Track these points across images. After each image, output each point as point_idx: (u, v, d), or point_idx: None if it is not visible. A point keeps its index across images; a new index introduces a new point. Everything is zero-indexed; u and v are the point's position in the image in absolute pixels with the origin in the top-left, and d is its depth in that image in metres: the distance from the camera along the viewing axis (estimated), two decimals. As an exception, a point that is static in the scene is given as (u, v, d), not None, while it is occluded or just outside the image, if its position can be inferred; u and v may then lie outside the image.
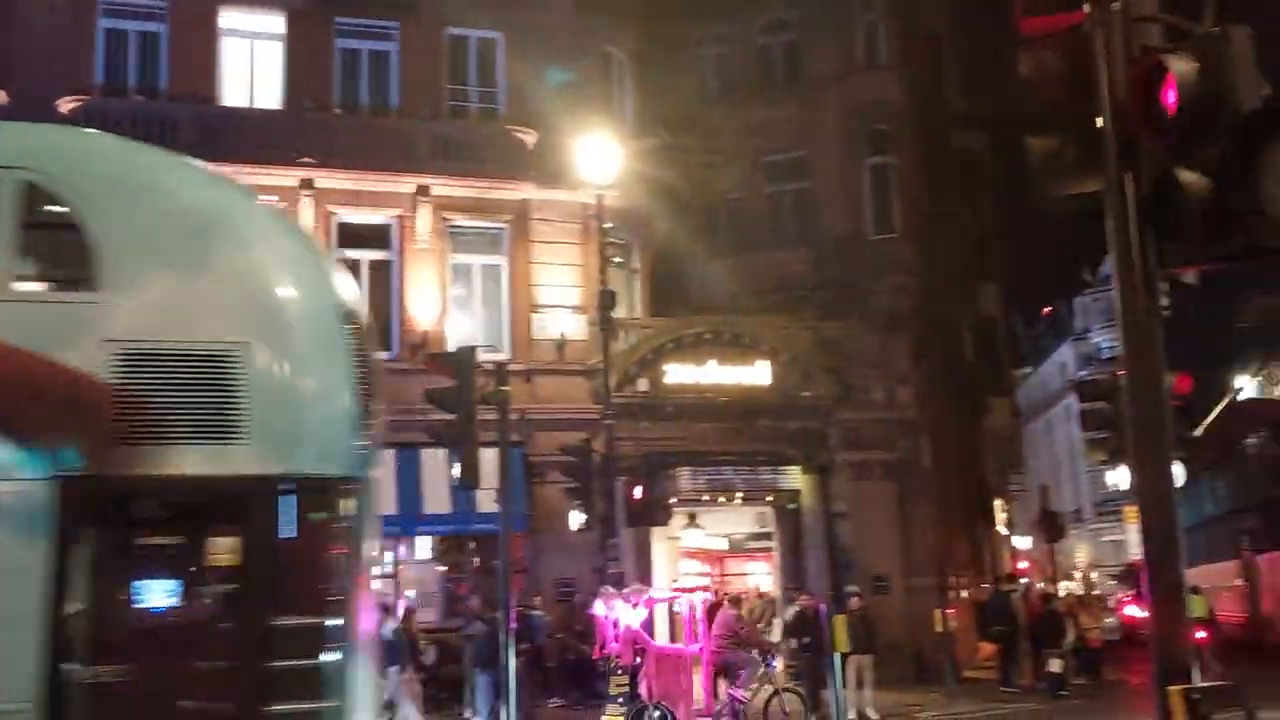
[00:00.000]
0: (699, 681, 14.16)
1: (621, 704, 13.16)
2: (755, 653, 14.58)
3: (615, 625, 13.99)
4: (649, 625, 14.34)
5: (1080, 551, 62.63)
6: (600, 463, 15.24)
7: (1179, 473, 16.09)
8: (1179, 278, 4.90)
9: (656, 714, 13.31)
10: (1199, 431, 34.28)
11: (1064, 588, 36.88)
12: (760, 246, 23.76)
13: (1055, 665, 18.41)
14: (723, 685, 14.46)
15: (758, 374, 20.84)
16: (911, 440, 21.97)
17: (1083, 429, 15.53)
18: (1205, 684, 4.54)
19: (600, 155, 16.14)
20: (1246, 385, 34.85)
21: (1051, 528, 33.16)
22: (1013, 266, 33.52)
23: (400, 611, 14.80)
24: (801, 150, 23.97)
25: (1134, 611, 29.93)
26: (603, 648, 14.00)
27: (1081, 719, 14.03)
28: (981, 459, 33.08)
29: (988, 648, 21.01)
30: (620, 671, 13.37)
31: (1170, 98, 4.41)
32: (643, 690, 13.70)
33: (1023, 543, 48.02)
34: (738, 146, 23.72)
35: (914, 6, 26.61)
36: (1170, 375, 13.19)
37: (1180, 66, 4.38)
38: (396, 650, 13.28)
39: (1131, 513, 24.62)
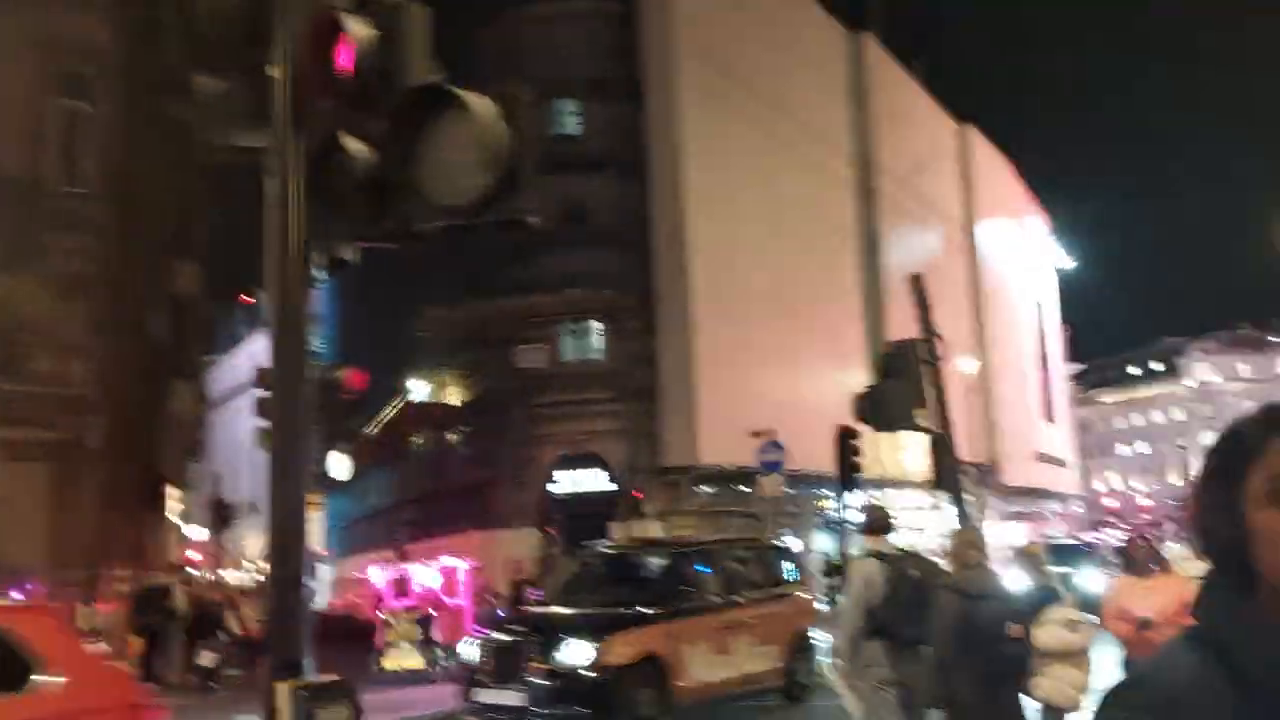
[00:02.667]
0: None
1: (413, 646, 17.95)
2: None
3: (397, 586, 19.28)
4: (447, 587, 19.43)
5: (255, 541, 63.21)
6: None
7: (345, 466, 16.64)
8: (339, 254, 4.67)
9: (442, 653, 17.90)
10: (374, 428, 36.51)
11: (234, 578, 36.68)
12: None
13: (206, 659, 17.93)
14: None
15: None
16: (79, 419, 19.87)
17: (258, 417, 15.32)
18: (318, 680, 4.32)
19: None
20: (419, 388, 38.08)
21: (219, 517, 32.76)
22: (218, 250, 32.57)
23: None
24: (-25, 71, 20.38)
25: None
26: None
27: (222, 712, 13.69)
28: (160, 444, 31.46)
29: (137, 642, 19.76)
30: (414, 622, 18.17)
31: (344, 60, 4.16)
32: (435, 635, 18.37)
33: (197, 532, 46.82)
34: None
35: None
36: (347, 370, 13.50)
37: (358, 30, 4.16)
38: None
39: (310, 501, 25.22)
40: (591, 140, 34.92)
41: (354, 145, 4.20)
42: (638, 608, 11.92)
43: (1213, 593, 1.34)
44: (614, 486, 32.89)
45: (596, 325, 35.52)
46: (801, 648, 13.83)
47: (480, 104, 3.99)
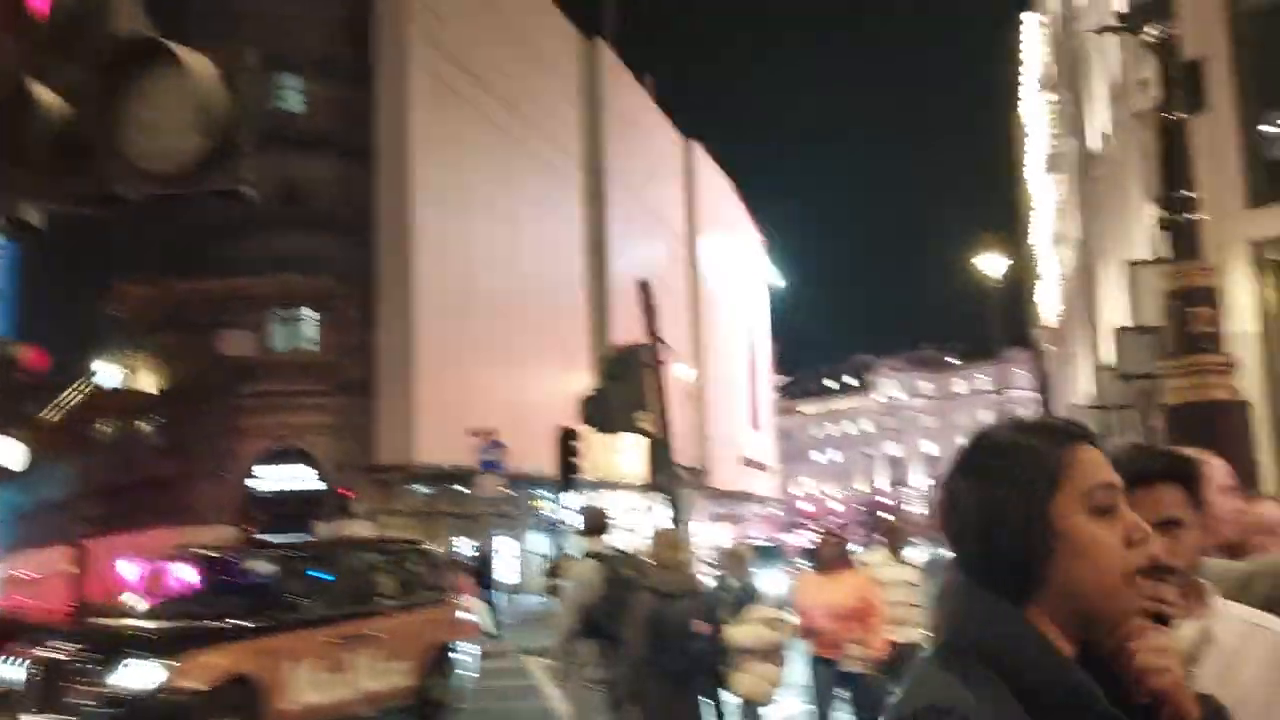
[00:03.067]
0: None
1: None
2: None
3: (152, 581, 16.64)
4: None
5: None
6: None
7: (20, 454, 15.09)
8: (21, 216, 4.14)
9: None
10: (55, 414, 33.38)
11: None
12: None
13: None
14: None
15: None
16: None
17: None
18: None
19: None
20: (109, 372, 35.16)
21: None
22: None
23: None
24: None
25: None
26: None
27: None
28: None
29: None
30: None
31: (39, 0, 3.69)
32: None
33: None
34: None
35: None
36: (25, 348, 12.20)
37: (55, -35, 3.70)
38: None
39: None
40: (315, 119, 33.48)
41: (45, 95, 3.73)
42: (231, 619, 10.26)
43: (986, 607, 1.27)
44: (322, 484, 31.66)
45: (310, 313, 34.06)
46: (440, 663, 12.61)
47: (197, 62, 3.65)
